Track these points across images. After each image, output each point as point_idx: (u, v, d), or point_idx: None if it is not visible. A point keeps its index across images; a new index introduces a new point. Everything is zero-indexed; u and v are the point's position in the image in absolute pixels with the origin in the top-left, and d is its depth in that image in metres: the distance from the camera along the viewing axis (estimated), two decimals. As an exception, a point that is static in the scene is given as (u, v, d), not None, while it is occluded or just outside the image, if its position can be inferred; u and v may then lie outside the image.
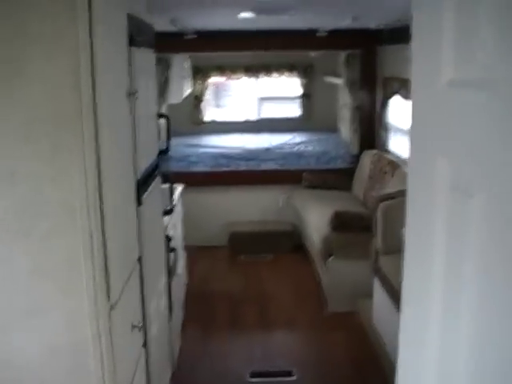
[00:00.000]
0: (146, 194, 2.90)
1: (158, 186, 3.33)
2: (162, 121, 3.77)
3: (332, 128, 9.57)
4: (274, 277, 7.04)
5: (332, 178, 7.92)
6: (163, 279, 3.53)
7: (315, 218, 6.67)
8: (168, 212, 4.05)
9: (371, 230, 5.44)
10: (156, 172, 3.29)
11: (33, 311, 2.09)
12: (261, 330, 5.75)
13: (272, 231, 7.84)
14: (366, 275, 5.56)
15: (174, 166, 7.89)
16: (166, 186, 3.88)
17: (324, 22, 6.35)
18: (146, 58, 3.04)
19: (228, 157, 8.04)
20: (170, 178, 3.86)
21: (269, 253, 7.74)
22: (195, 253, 7.26)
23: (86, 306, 2.08)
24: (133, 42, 2.57)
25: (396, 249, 5.17)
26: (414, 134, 1.74)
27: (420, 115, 1.68)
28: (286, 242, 7.82)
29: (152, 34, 3.28)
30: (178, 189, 5.66)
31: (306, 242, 7.61)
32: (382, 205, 4.97)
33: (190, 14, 5.32)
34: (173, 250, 4.34)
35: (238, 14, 5.06)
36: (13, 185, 1.99)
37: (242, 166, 8.03)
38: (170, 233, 4.65)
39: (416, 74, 1.71)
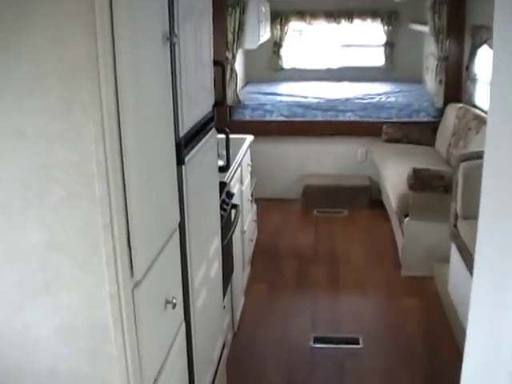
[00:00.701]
0: (194, 151, 2.60)
1: (212, 141, 3.02)
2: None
3: (417, 79, 9.13)
4: (347, 234, 6.72)
5: (414, 131, 7.49)
6: (216, 242, 3.24)
7: (393, 174, 6.29)
8: (223, 169, 3.74)
9: (452, 190, 5.07)
10: (210, 125, 2.98)
11: (47, 286, 1.84)
12: (329, 291, 5.46)
13: (348, 186, 7.50)
14: (444, 239, 5.19)
15: (248, 115, 7.64)
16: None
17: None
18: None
19: (305, 106, 7.70)
20: (227, 132, 3.51)
21: (344, 208, 7.41)
22: (267, 206, 7.04)
23: (106, 284, 1.82)
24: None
25: (477, 213, 4.75)
26: (495, 89, 1.39)
27: (503, 65, 1.33)
28: (363, 198, 7.47)
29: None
30: (248, 140, 5.36)
31: (383, 199, 7.25)
32: (463, 165, 4.57)
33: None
34: (234, 206, 4.07)
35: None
36: (21, 146, 1.72)
37: (319, 117, 7.67)
38: (235, 188, 4.39)
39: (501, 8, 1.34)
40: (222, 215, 3.55)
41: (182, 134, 2.42)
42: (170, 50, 2.21)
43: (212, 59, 2.99)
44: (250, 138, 5.49)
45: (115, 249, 1.79)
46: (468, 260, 4.40)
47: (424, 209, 5.47)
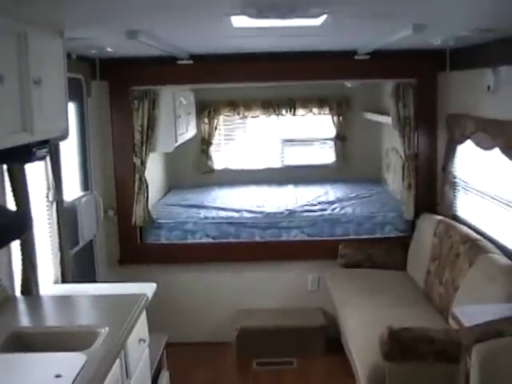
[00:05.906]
0: None
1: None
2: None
3: (375, 178, 7.63)
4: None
5: (378, 252, 5.84)
6: None
7: (356, 324, 4.58)
8: None
9: (447, 356, 3.38)
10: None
11: None
12: None
13: (297, 325, 5.77)
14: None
15: (164, 236, 5.96)
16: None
17: (369, 34, 4.28)
18: None
19: (237, 224, 6.01)
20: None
21: (292, 356, 5.64)
22: (189, 356, 5.48)
23: None
24: None
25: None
26: None
27: None
28: (317, 341, 5.72)
29: None
30: (141, 300, 3.55)
31: (344, 342, 5.47)
32: (478, 348, 2.81)
33: (153, 21, 3.30)
34: None
35: (227, 18, 3.05)
36: None
37: (257, 237, 6.00)
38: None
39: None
40: None
41: None
42: None
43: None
44: (149, 289, 3.73)
45: None
46: None
47: (408, 387, 3.73)
